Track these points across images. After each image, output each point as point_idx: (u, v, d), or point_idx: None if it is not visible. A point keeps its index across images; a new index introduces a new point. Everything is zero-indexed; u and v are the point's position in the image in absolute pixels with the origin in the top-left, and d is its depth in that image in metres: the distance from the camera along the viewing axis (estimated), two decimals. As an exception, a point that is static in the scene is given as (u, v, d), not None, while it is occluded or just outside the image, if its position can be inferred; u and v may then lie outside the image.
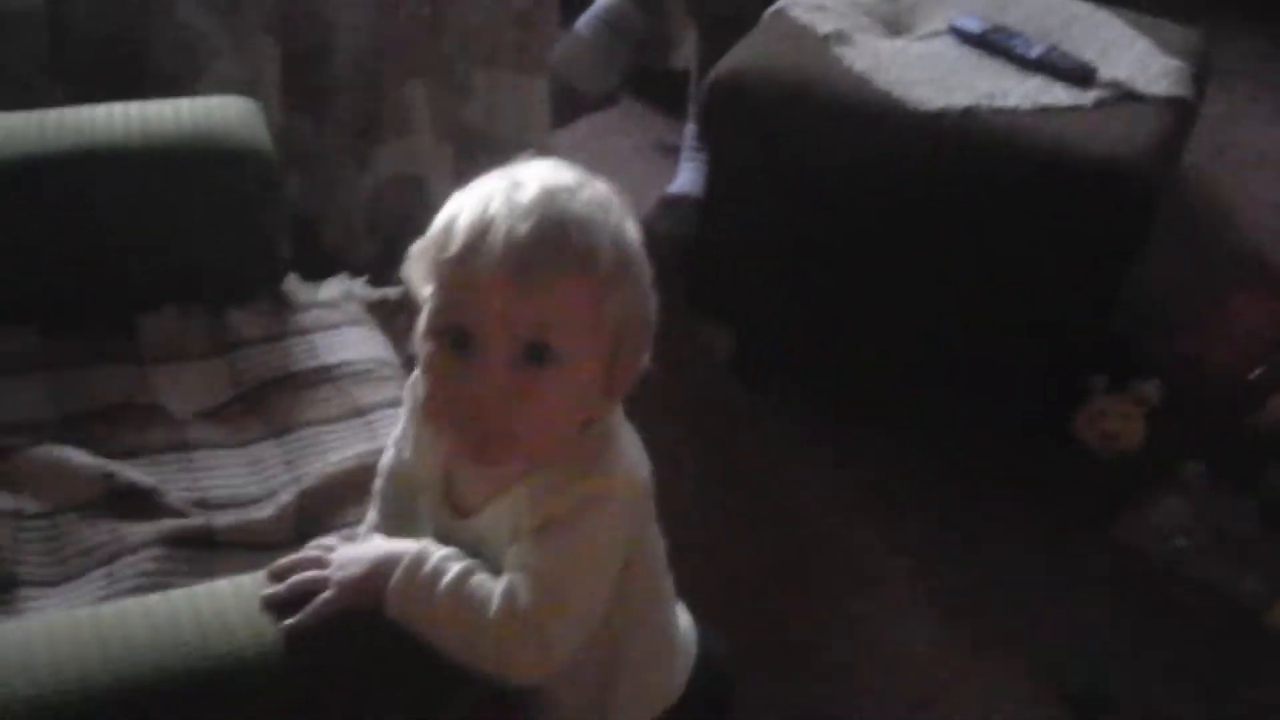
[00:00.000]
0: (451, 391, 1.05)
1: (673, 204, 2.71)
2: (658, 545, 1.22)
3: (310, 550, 1.13)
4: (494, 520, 1.11)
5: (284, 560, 1.12)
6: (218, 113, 1.70)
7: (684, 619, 1.34)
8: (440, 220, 1.06)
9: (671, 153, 2.87)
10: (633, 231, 1.08)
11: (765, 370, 2.40)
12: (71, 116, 1.65)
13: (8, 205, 1.60)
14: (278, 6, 2.05)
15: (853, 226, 2.21)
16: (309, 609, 1.07)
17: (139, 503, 1.41)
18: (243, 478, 1.47)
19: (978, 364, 2.23)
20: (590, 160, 1.11)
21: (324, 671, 1.07)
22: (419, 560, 1.07)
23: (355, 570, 1.09)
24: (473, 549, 1.11)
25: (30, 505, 1.40)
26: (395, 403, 1.55)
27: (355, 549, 1.12)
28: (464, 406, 1.04)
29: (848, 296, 2.28)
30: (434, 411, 1.08)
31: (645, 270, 1.09)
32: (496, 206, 1.02)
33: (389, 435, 1.42)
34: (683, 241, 2.51)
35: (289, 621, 1.07)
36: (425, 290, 1.06)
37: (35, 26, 2.13)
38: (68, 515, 1.39)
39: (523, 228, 1.01)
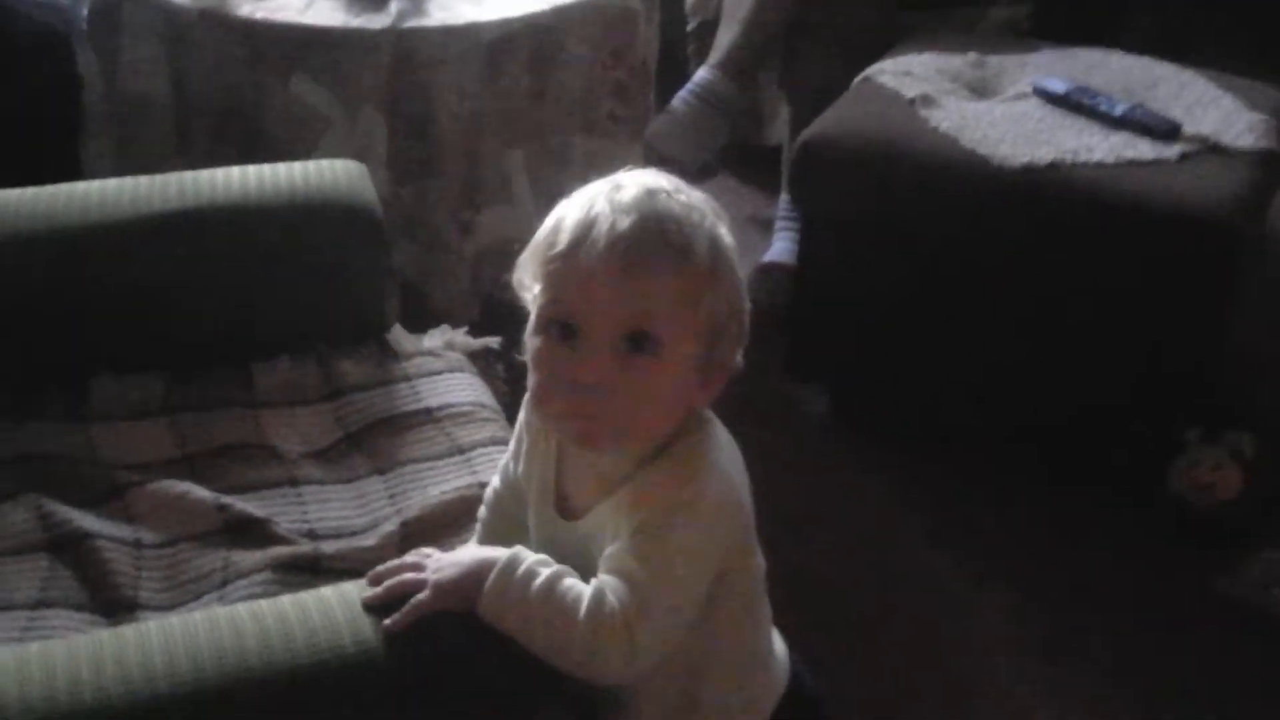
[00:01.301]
0: (558, 379, 1.12)
1: (768, 272, 2.77)
2: (754, 562, 1.24)
3: (409, 556, 1.18)
4: (599, 522, 1.16)
5: (384, 565, 1.17)
6: (327, 174, 1.78)
7: (779, 647, 1.35)
8: (548, 223, 1.14)
9: (766, 226, 2.93)
10: (727, 235, 1.14)
11: (861, 426, 2.43)
12: (191, 179, 1.75)
13: (135, 261, 1.69)
14: (384, 80, 2.15)
15: (941, 282, 2.26)
16: (405, 609, 1.12)
17: (251, 533, 1.48)
18: (349, 510, 1.54)
19: (1069, 416, 2.25)
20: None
21: (420, 668, 1.12)
22: (512, 563, 1.12)
23: (451, 573, 1.14)
24: (578, 553, 1.15)
25: (149, 535, 1.48)
26: (494, 442, 1.62)
27: (451, 555, 1.17)
28: (570, 393, 1.11)
29: (938, 351, 2.31)
30: (542, 399, 1.15)
31: (737, 269, 1.15)
32: (600, 206, 1.10)
33: (488, 472, 1.50)
34: (779, 309, 2.56)
35: (387, 621, 1.12)
36: (534, 290, 1.13)
37: (162, 107, 2.27)
38: (183, 545, 1.47)
39: (624, 222, 1.08)
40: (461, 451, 1.61)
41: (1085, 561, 2.18)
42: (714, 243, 1.12)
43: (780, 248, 2.80)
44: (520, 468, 1.28)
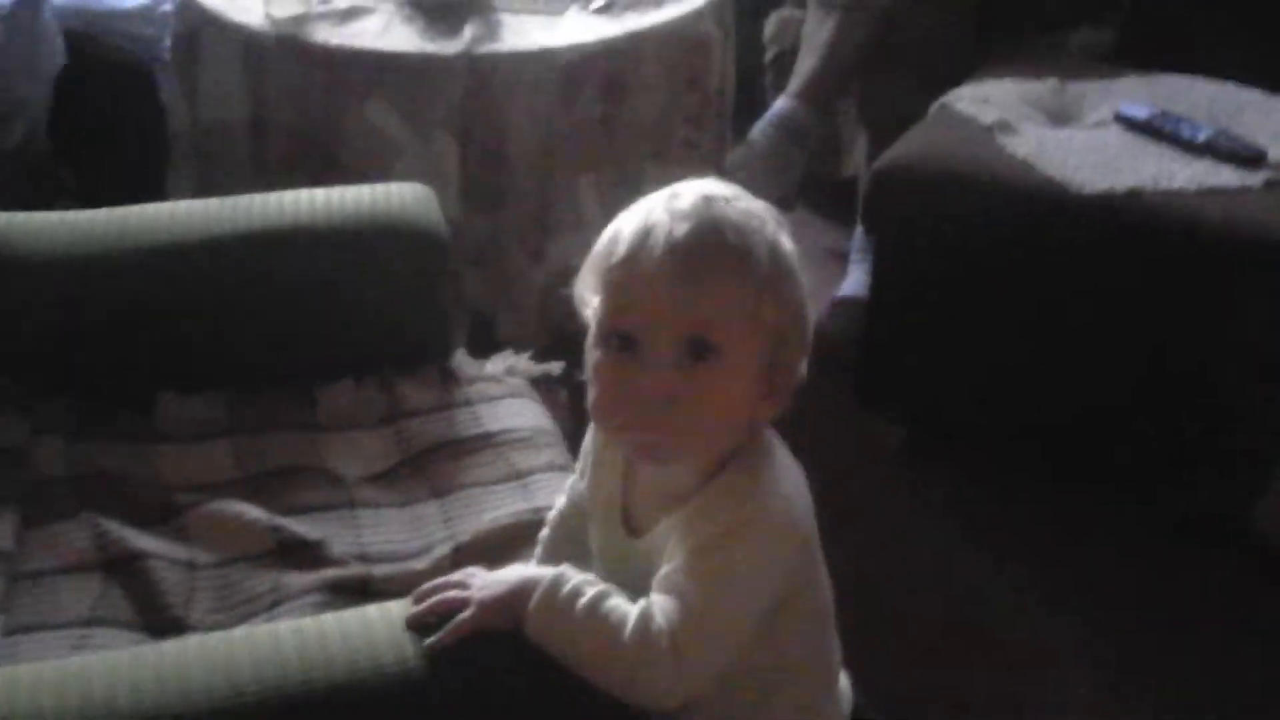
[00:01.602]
0: (619, 392, 1.10)
1: (843, 306, 2.74)
2: (821, 593, 1.21)
3: (454, 575, 1.16)
4: (663, 539, 1.13)
5: (428, 584, 1.16)
6: (395, 198, 1.79)
7: (845, 684, 1.32)
8: (606, 234, 1.12)
9: (841, 259, 2.91)
10: (787, 242, 1.12)
11: (935, 461, 2.40)
12: (260, 201, 1.77)
13: (204, 281, 1.71)
14: (458, 107, 2.16)
15: (1017, 312, 2.21)
16: (448, 627, 1.11)
17: (303, 554, 1.47)
18: (403, 533, 1.53)
19: (1151, 454, 2.19)
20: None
21: (463, 687, 1.10)
22: (558, 582, 1.10)
23: (495, 591, 1.12)
24: (641, 570, 1.13)
25: (203, 556, 1.48)
26: (552, 467, 1.60)
27: (496, 573, 1.15)
28: (631, 405, 1.09)
29: (1016, 384, 2.26)
30: (603, 413, 1.13)
31: (799, 278, 1.12)
32: (658, 214, 1.09)
33: (545, 497, 1.48)
34: (853, 342, 2.53)
35: (429, 640, 1.10)
36: (593, 301, 1.12)
37: (240, 133, 2.29)
38: (236, 565, 1.47)
39: (682, 229, 1.06)
40: (519, 476, 1.59)
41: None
42: (773, 248, 1.10)
43: (855, 280, 2.77)
44: (586, 484, 1.26)
